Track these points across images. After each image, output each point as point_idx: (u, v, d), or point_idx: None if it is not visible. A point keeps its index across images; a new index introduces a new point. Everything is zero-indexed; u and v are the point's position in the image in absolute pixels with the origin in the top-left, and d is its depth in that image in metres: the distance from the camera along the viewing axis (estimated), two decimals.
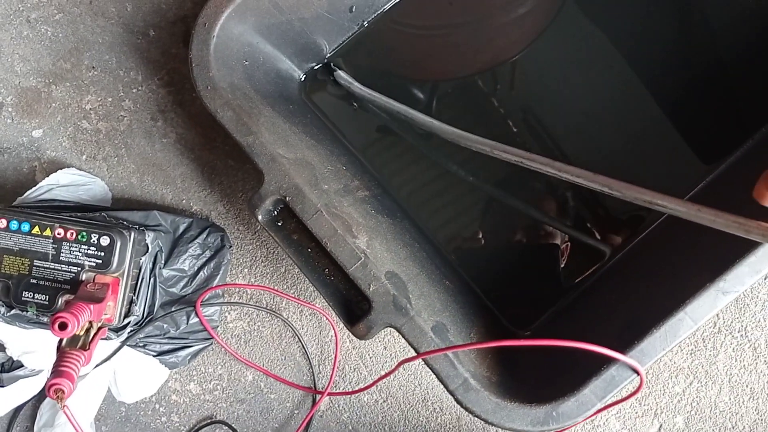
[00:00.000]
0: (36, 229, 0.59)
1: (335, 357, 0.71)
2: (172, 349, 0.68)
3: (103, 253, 0.59)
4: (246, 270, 0.72)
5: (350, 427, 0.72)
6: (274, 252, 0.72)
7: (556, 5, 0.69)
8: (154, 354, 0.67)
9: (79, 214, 0.63)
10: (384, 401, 0.71)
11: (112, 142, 0.73)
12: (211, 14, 0.56)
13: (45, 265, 0.59)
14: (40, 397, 0.70)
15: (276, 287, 0.72)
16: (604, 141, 0.69)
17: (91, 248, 0.59)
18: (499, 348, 0.57)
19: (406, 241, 0.62)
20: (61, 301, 0.58)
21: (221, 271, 0.69)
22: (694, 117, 0.69)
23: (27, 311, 0.59)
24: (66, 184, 0.69)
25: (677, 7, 0.70)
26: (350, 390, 0.71)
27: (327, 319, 0.71)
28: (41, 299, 0.59)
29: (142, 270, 0.63)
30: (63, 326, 0.49)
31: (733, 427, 0.68)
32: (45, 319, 0.59)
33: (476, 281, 0.68)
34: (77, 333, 0.53)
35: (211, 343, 0.71)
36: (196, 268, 0.68)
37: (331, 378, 0.71)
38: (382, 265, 0.54)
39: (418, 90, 0.70)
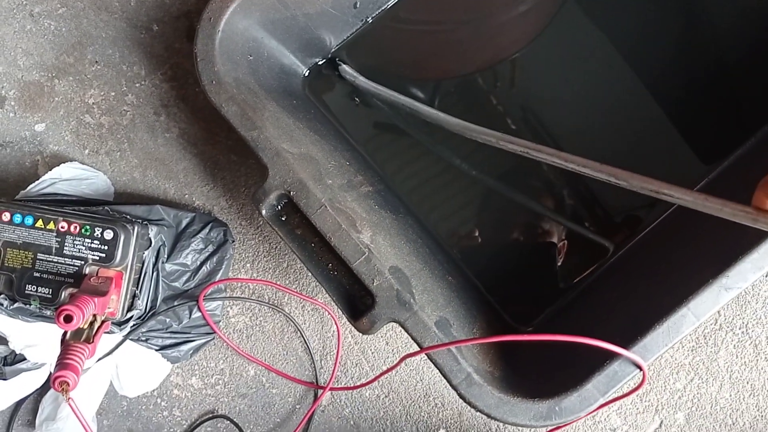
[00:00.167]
0: (40, 223, 0.59)
1: (337, 352, 0.71)
2: (174, 343, 0.68)
3: (106, 247, 0.59)
4: (248, 265, 0.72)
5: (352, 422, 0.72)
6: (276, 247, 0.72)
7: (557, 3, 0.69)
8: (157, 348, 0.67)
9: (82, 208, 0.63)
10: (386, 396, 0.71)
11: (114, 136, 0.73)
12: (217, 9, 0.56)
13: (48, 259, 0.59)
14: (42, 390, 0.70)
15: (278, 282, 0.72)
16: (603, 140, 0.70)
17: (95, 242, 0.59)
18: (502, 343, 0.57)
19: (409, 236, 0.62)
20: (64, 294, 0.58)
21: (224, 266, 0.69)
22: (694, 116, 0.69)
23: (30, 304, 0.59)
24: (69, 178, 0.69)
25: (679, 5, 0.70)
26: (352, 385, 0.71)
27: (329, 313, 0.71)
28: (44, 293, 0.59)
29: (145, 264, 0.63)
30: (68, 319, 0.49)
31: (733, 424, 0.69)
32: (48, 313, 0.59)
33: (478, 278, 0.68)
34: (81, 326, 0.53)
35: (214, 338, 0.72)
36: (198, 263, 0.68)
37: (332, 373, 0.71)
38: (386, 260, 0.54)
39: (419, 89, 0.70)
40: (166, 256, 0.65)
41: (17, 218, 0.59)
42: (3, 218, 0.58)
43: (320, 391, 0.71)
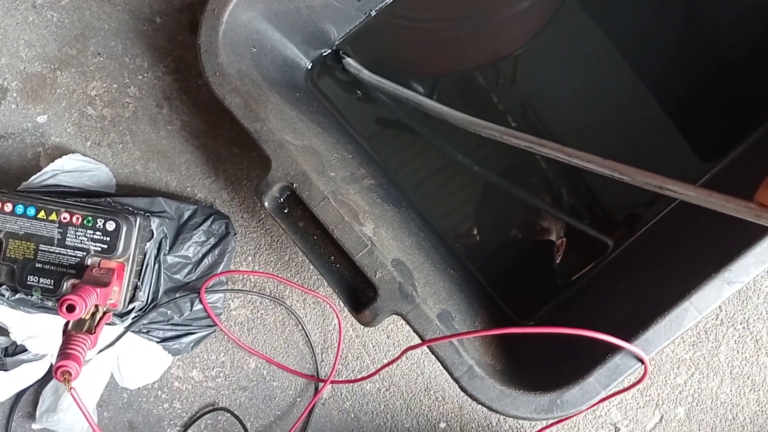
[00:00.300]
0: (42, 214, 0.58)
1: (338, 345, 0.71)
2: (175, 335, 0.68)
3: (108, 238, 0.59)
4: (250, 257, 0.72)
5: (352, 416, 0.72)
6: (278, 240, 0.72)
7: (559, 0, 0.69)
8: (158, 340, 0.67)
9: (84, 199, 0.63)
10: (386, 390, 0.72)
11: (117, 128, 0.72)
12: (221, 0, 0.56)
13: (50, 250, 0.59)
14: (43, 382, 0.70)
15: (280, 275, 0.72)
16: (603, 138, 0.70)
17: (97, 233, 0.59)
18: (504, 336, 0.57)
19: (411, 229, 0.62)
20: (66, 285, 0.58)
21: (225, 259, 0.69)
22: (694, 114, 0.69)
23: (32, 295, 0.59)
24: (70, 169, 0.69)
25: (681, 3, 0.70)
26: (353, 378, 0.72)
27: (331, 306, 0.71)
28: (46, 283, 0.59)
29: (147, 256, 0.63)
30: (71, 308, 0.49)
31: (733, 419, 0.69)
32: (50, 304, 0.59)
33: (480, 272, 0.68)
34: (83, 317, 0.53)
35: (215, 330, 0.72)
36: (200, 255, 0.68)
37: (333, 366, 0.71)
38: (388, 252, 0.54)
39: (420, 85, 0.70)
40: (167, 248, 0.65)
41: (19, 209, 0.59)
42: (5, 209, 0.58)
43: (321, 384, 0.71)
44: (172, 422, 0.73)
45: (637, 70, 0.69)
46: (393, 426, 0.72)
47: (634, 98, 0.69)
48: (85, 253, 0.59)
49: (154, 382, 0.73)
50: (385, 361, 0.71)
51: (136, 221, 0.60)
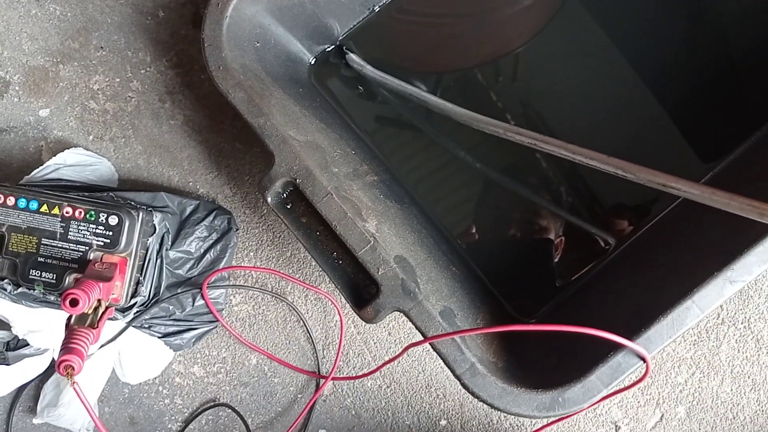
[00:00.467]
0: (44, 208, 0.58)
1: (340, 342, 0.71)
2: (177, 331, 0.68)
3: (111, 233, 0.58)
4: (252, 253, 0.72)
5: (353, 412, 0.72)
6: (280, 235, 0.72)
7: None
8: (159, 335, 0.67)
9: (86, 193, 0.63)
10: (387, 387, 0.72)
11: (119, 122, 0.72)
12: None
13: (53, 244, 0.58)
14: (44, 376, 0.70)
15: (282, 271, 0.72)
16: (602, 137, 0.69)
17: (100, 227, 0.58)
18: (506, 334, 0.57)
19: (413, 226, 0.62)
20: (68, 279, 0.58)
21: (227, 254, 0.69)
22: (696, 114, 0.69)
23: (34, 289, 0.59)
24: (73, 164, 0.69)
25: (684, 2, 0.70)
26: (354, 375, 0.72)
27: (332, 303, 0.71)
28: (49, 278, 0.58)
29: (149, 251, 0.63)
30: (74, 303, 0.49)
31: (734, 418, 0.69)
32: (52, 298, 0.59)
33: (482, 269, 0.68)
34: (86, 311, 0.53)
35: (216, 326, 0.72)
36: (202, 251, 0.68)
37: (335, 363, 0.71)
38: (391, 249, 0.54)
39: (421, 82, 0.70)
40: (170, 243, 0.65)
41: (22, 203, 0.58)
42: (7, 203, 0.58)
43: (322, 381, 0.71)
44: (173, 418, 0.73)
45: (638, 68, 0.68)
46: (394, 423, 0.72)
47: (634, 97, 0.69)
48: (87, 248, 0.58)
49: (156, 378, 0.73)
50: (387, 358, 0.71)
51: (138, 216, 0.60)
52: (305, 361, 0.72)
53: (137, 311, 0.64)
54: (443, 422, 0.71)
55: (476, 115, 0.58)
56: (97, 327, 0.53)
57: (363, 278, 0.55)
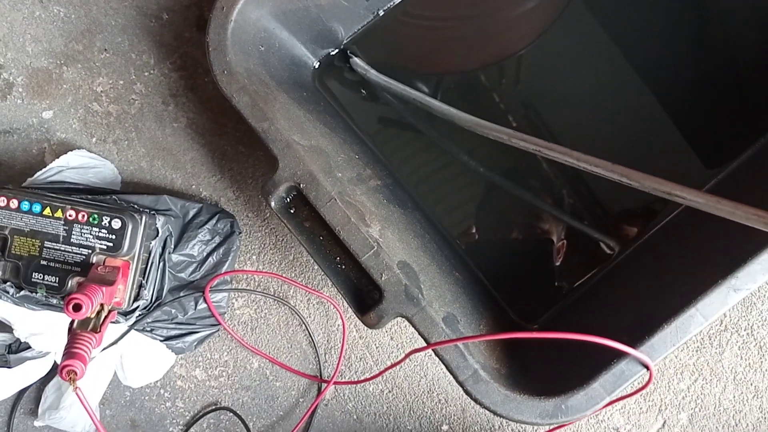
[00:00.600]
0: (47, 211, 0.58)
1: (342, 346, 0.71)
2: (179, 334, 0.68)
3: (114, 236, 0.58)
4: (254, 257, 0.72)
5: (355, 417, 0.72)
6: (282, 239, 0.72)
7: (564, 1, 0.69)
8: (162, 339, 0.67)
9: (89, 196, 0.63)
10: (389, 392, 0.71)
11: (122, 125, 0.72)
12: None
13: (56, 247, 0.58)
14: (46, 379, 0.70)
15: (284, 275, 0.72)
16: (604, 140, 0.69)
17: (103, 231, 0.58)
18: (509, 340, 0.57)
19: (417, 231, 0.62)
20: (71, 283, 0.58)
21: (230, 258, 0.69)
22: (700, 119, 0.69)
23: (36, 293, 0.59)
24: (76, 166, 0.69)
25: (688, 5, 0.70)
26: (356, 379, 0.71)
27: (335, 307, 0.71)
28: (51, 281, 0.58)
29: (152, 254, 0.62)
30: (77, 307, 0.49)
31: (736, 425, 0.69)
32: (54, 301, 0.59)
33: (485, 274, 0.68)
34: (89, 315, 0.53)
35: (218, 330, 0.71)
36: (205, 254, 0.68)
37: (337, 367, 0.71)
38: (395, 254, 0.54)
39: (424, 84, 0.70)
40: (172, 246, 0.65)
41: (25, 206, 0.58)
42: (11, 205, 0.58)
43: (324, 385, 0.71)
44: (174, 421, 0.73)
45: (642, 72, 0.68)
46: (395, 428, 0.72)
47: (638, 101, 0.69)
48: (90, 251, 0.58)
49: (157, 381, 0.73)
50: (389, 363, 0.71)
51: (141, 219, 0.60)
52: (307, 365, 0.72)
53: (140, 314, 0.64)
54: (445, 427, 0.71)
55: (480, 121, 0.58)
56: (100, 331, 0.53)
57: (366, 284, 0.55)
